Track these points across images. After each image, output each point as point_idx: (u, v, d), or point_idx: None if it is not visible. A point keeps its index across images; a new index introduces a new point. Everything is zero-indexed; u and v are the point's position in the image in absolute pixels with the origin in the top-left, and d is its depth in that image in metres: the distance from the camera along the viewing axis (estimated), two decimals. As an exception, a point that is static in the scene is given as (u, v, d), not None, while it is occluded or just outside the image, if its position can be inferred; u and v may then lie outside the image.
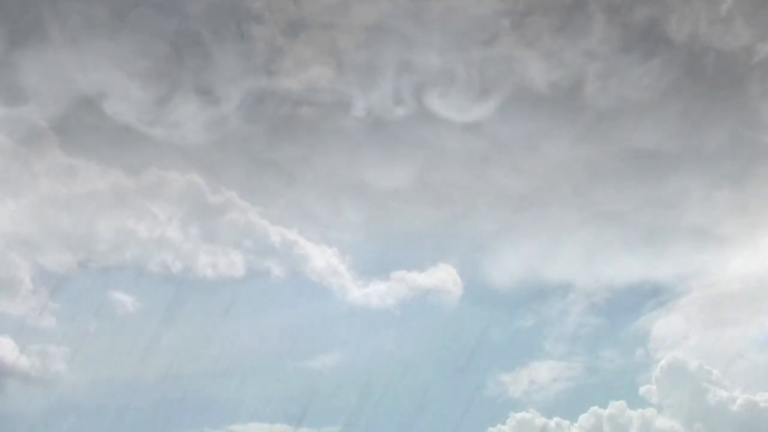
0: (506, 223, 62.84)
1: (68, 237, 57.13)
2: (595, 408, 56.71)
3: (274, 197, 63.13)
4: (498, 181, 62.62)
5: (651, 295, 62.33)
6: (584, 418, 56.67)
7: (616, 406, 56.94)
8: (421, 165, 62.25)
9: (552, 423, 56.73)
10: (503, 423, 56.54)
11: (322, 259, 61.93)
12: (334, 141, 62.79)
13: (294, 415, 51.72)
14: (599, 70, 57.77)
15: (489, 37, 57.61)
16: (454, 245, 62.93)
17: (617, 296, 62.41)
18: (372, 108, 60.75)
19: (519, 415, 56.90)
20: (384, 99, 60.54)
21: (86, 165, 59.10)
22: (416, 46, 58.20)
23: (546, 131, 60.98)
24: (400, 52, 58.42)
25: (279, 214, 62.26)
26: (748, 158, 59.18)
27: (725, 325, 60.17)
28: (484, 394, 58.34)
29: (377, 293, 61.04)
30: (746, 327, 59.52)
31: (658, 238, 61.87)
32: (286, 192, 63.13)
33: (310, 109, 62.15)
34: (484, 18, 57.32)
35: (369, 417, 53.31)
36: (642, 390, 57.77)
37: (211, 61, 61.76)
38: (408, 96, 59.94)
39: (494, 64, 57.54)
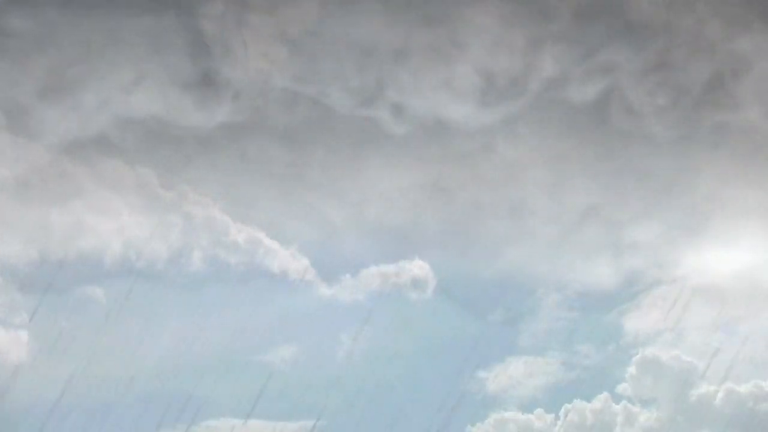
0: (483, 220, 61.42)
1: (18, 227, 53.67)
2: (579, 401, 55.72)
3: (239, 195, 60.85)
4: (475, 177, 61.17)
5: (628, 291, 61.33)
6: (568, 413, 55.43)
7: (600, 399, 55.92)
8: (395, 162, 60.69)
9: (534, 417, 55.31)
10: (482, 421, 55.24)
11: (288, 255, 59.75)
12: (306, 138, 60.85)
13: (267, 411, 49.88)
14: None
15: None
16: (428, 241, 61.28)
17: (595, 292, 61.32)
18: (342, 102, 59.03)
19: (498, 415, 55.60)
20: (351, 93, 58.98)
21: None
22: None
23: (520, 127, 59.83)
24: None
25: (243, 212, 60.18)
26: (739, 158, 58.92)
27: (705, 320, 59.41)
28: (461, 391, 56.28)
29: (347, 290, 59.10)
30: (727, 321, 58.94)
31: (638, 234, 61.05)
32: (252, 190, 60.99)
33: (283, 105, 60.00)
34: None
35: (344, 413, 52.01)
36: (621, 385, 56.96)
37: (170, 51, 59.45)
38: (373, 91, 58.58)
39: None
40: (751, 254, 60.22)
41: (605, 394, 55.99)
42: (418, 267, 59.67)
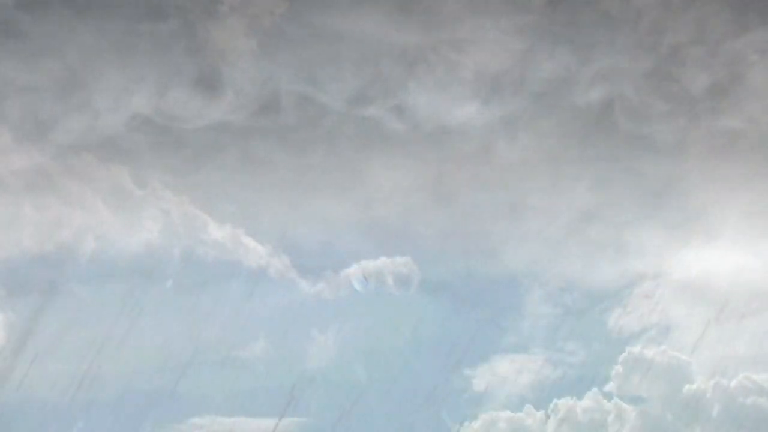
0: (468, 218, 60.52)
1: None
2: (568, 399, 54.78)
3: (216, 193, 59.49)
4: (457, 174, 60.30)
5: (614, 288, 60.54)
6: (558, 409, 54.49)
7: (589, 396, 55.02)
8: (379, 157, 59.77)
9: (524, 415, 54.20)
10: (470, 421, 54.08)
11: (266, 253, 58.31)
12: (284, 134, 59.64)
13: (250, 408, 48.63)
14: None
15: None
16: (412, 238, 60.16)
17: (581, 289, 60.45)
18: (325, 97, 58.02)
19: (488, 415, 54.47)
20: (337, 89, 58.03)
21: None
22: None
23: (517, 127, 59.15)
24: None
25: (220, 210, 58.78)
26: (728, 157, 58.76)
27: (690, 317, 58.80)
28: (447, 390, 55.03)
29: (330, 287, 57.60)
30: (713, 317, 58.32)
31: (623, 232, 60.50)
32: (229, 188, 59.63)
33: (260, 100, 58.68)
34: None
35: (328, 412, 50.99)
36: (609, 383, 56.09)
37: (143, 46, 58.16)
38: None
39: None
40: (735, 250, 60.13)
41: (594, 391, 55.26)
42: (401, 264, 58.55)
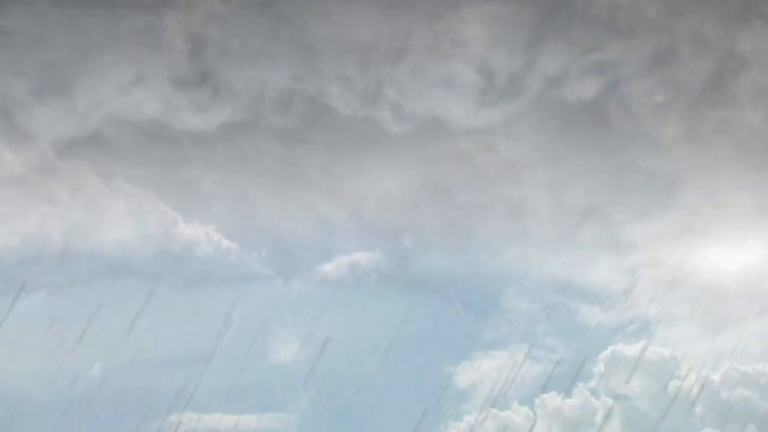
0: (449, 211, 59.62)
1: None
2: (554, 394, 53.90)
3: (187, 191, 57.98)
4: (438, 170, 59.42)
5: (596, 285, 59.86)
6: (544, 405, 53.45)
7: (576, 392, 54.36)
8: (348, 153, 58.66)
9: (511, 413, 53.11)
10: (455, 420, 52.91)
11: (238, 250, 57.18)
12: (251, 130, 58.34)
13: (231, 405, 47.90)
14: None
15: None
16: (390, 233, 59.17)
17: (566, 287, 59.82)
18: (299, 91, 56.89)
19: (473, 411, 53.44)
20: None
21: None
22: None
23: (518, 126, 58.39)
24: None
25: (190, 208, 57.49)
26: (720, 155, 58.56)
27: (675, 314, 58.56)
28: (431, 388, 53.94)
29: (306, 285, 56.91)
30: (698, 313, 58.17)
31: (609, 230, 60.04)
32: (201, 186, 58.16)
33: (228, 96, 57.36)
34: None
35: (309, 407, 50.33)
36: (594, 379, 55.24)
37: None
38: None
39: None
40: (717, 245, 59.97)
41: (579, 387, 54.58)
42: (379, 260, 57.71)
